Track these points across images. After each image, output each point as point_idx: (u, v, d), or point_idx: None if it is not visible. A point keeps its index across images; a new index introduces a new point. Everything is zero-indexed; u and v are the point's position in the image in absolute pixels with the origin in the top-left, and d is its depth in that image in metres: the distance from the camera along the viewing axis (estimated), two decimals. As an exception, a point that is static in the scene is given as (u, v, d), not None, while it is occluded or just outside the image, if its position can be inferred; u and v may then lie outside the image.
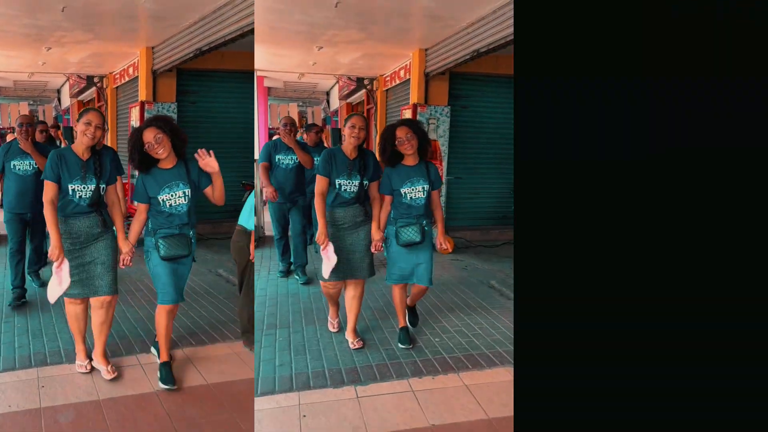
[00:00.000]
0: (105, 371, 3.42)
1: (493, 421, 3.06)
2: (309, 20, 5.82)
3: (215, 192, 3.45)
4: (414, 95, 7.18)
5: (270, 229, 5.56)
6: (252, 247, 3.89)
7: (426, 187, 3.68)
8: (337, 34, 6.32)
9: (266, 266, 5.75)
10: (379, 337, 4.05)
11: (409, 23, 6.05)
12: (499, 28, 5.35)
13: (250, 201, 3.99)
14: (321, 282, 3.89)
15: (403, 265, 3.79)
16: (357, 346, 3.83)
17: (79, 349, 3.56)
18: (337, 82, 9.51)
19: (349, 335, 3.91)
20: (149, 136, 3.28)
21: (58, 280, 3.24)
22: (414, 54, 7.11)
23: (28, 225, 4.80)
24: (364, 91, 8.93)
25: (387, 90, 8.50)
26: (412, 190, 3.68)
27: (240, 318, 4.05)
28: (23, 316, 4.42)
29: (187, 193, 3.37)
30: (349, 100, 9.62)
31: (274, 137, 5.59)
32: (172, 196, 3.36)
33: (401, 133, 3.64)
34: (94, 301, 3.41)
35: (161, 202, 3.35)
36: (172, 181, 3.36)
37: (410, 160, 3.70)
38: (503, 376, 3.52)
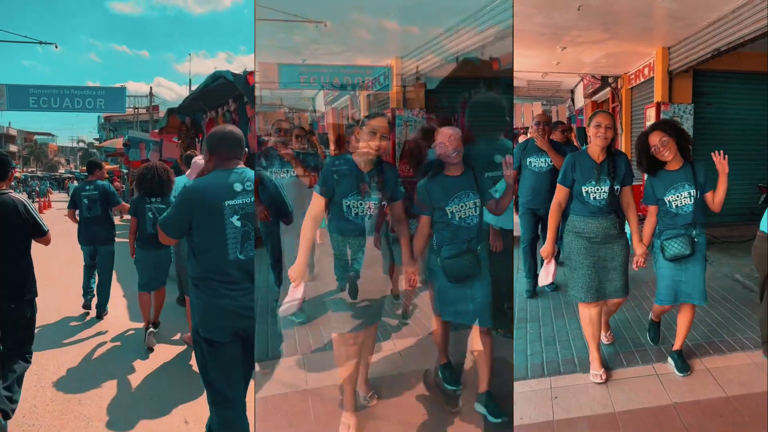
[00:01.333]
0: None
1: (731, 398, 3.25)
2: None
3: (716, 196, 3.52)
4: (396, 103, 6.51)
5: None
6: None
7: (477, 201, 3.17)
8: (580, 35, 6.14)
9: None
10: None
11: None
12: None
13: None
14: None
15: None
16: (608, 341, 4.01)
17: (594, 357, 3.50)
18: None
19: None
20: (655, 139, 3.49)
21: (546, 272, 3.61)
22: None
23: (540, 220, 4.90)
24: (347, 96, 8.24)
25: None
26: (462, 207, 3.14)
27: (761, 327, 3.94)
28: (535, 322, 4.26)
29: (692, 194, 3.52)
30: (334, 105, 8.94)
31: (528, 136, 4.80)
32: (678, 197, 3.53)
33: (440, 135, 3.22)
34: (604, 304, 3.55)
35: (668, 203, 3.56)
36: (678, 182, 3.54)
37: (454, 170, 3.21)
38: (743, 360, 3.66)
